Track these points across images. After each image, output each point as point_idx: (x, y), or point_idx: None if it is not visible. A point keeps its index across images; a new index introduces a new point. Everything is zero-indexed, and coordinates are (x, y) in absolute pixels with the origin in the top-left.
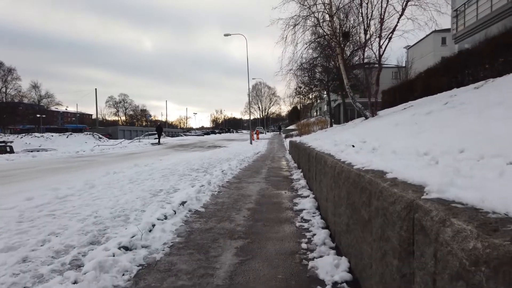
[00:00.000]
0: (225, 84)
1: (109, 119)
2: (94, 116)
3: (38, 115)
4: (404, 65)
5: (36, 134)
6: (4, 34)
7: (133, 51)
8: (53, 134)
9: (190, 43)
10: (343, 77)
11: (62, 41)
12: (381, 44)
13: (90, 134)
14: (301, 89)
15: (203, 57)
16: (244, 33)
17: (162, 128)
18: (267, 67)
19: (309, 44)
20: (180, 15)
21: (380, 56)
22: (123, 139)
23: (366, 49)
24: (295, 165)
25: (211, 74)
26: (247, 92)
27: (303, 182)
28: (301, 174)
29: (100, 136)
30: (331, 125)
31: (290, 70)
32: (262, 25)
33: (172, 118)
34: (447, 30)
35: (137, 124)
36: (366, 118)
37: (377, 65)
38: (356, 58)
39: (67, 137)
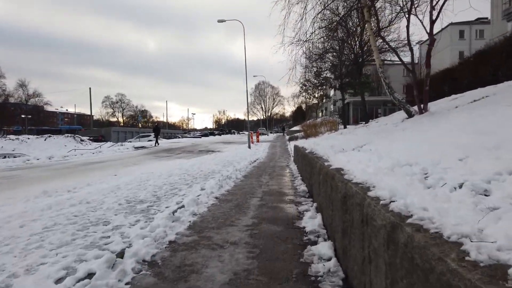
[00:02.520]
0: (228, 85)
1: (112, 120)
2: (95, 117)
3: (23, 116)
4: (416, 61)
5: (11, 136)
6: (12, 36)
7: (137, 52)
8: (29, 136)
9: (194, 45)
10: (374, 55)
11: (66, 43)
12: (434, 4)
13: (71, 136)
14: (306, 86)
15: (207, 58)
16: (248, 35)
17: (159, 129)
18: (270, 69)
19: (321, 12)
20: (184, 16)
21: (433, 22)
22: (105, 143)
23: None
24: (304, 187)
25: (215, 75)
26: (249, 91)
27: (326, 249)
28: (319, 216)
29: (82, 138)
30: (344, 127)
31: (298, 41)
32: (265, 27)
33: (176, 119)
34: (466, 22)
35: (139, 125)
36: (410, 116)
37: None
38: (380, 41)
39: (45, 139)
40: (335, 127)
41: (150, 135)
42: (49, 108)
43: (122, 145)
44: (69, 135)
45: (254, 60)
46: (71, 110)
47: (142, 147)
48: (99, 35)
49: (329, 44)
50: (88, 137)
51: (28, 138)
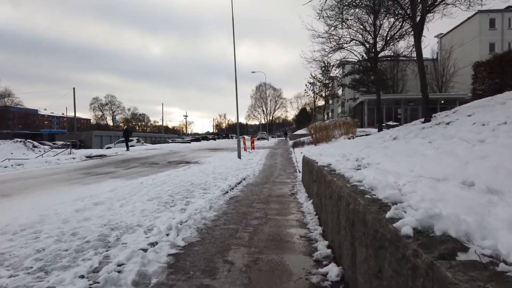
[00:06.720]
0: (231, 89)
1: (109, 123)
2: (93, 121)
3: None
4: (435, 57)
5: None
6: (18, 42)
7: (141, 58)
8: None
9: (197, 50)
10: None
11: (71, 48)
12: None
13: (21, 142)
14: (313, 81)
15: (211, 63)
16: (251, 40)
17: (130, 133)
18: (273, 73)
19: None
20: (188, 22)
21: None
22: (54, 149)
23: None
24: None
25: (217, 79)
26: (251, 94)
27: None
28: None
29: (35, 144)
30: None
31: None
32: (269, 31)
33: (177, 123)
34: (496, 10)
35: (139, 129)
36: None
37: None
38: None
39: None
40: (353, 130)
41: (132, 140)
42: (46, 113)
43: (71, 153)
44: (19, 140)
45: (257, 65)
46: (69, 114)
47: (101, 155)
48: (103, 41)
49: None
50: (64, 142)
51: None
